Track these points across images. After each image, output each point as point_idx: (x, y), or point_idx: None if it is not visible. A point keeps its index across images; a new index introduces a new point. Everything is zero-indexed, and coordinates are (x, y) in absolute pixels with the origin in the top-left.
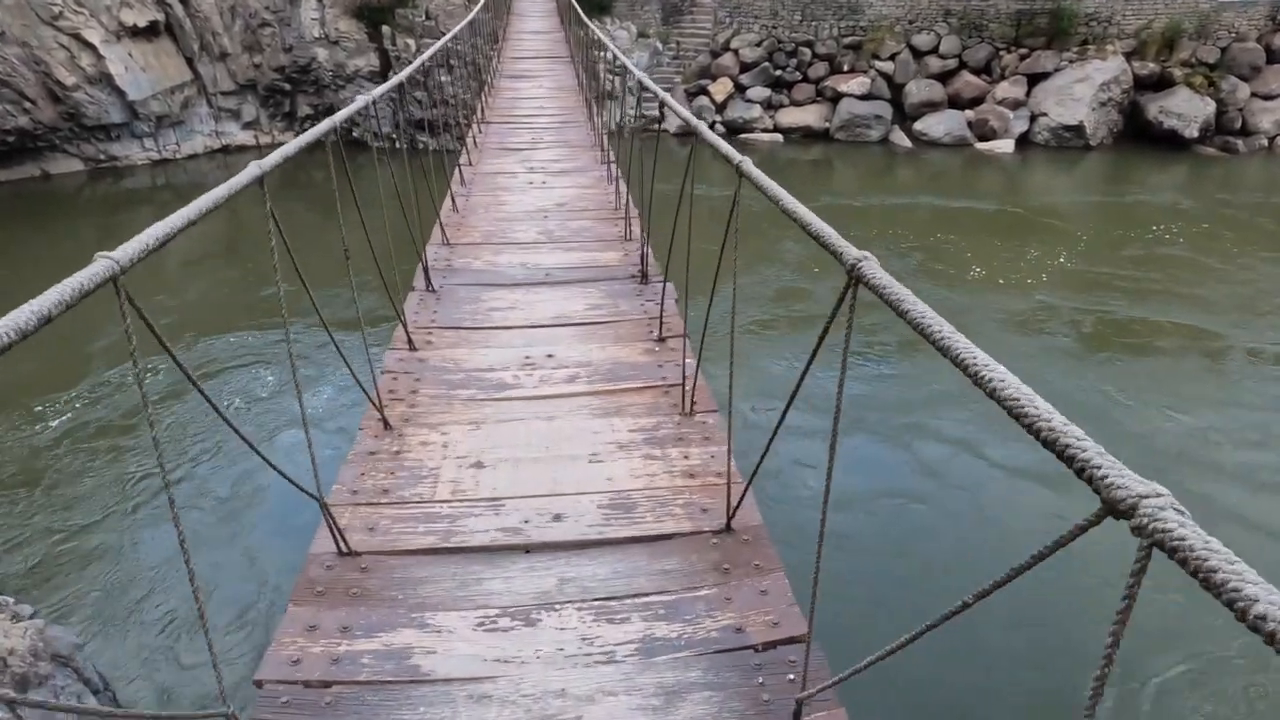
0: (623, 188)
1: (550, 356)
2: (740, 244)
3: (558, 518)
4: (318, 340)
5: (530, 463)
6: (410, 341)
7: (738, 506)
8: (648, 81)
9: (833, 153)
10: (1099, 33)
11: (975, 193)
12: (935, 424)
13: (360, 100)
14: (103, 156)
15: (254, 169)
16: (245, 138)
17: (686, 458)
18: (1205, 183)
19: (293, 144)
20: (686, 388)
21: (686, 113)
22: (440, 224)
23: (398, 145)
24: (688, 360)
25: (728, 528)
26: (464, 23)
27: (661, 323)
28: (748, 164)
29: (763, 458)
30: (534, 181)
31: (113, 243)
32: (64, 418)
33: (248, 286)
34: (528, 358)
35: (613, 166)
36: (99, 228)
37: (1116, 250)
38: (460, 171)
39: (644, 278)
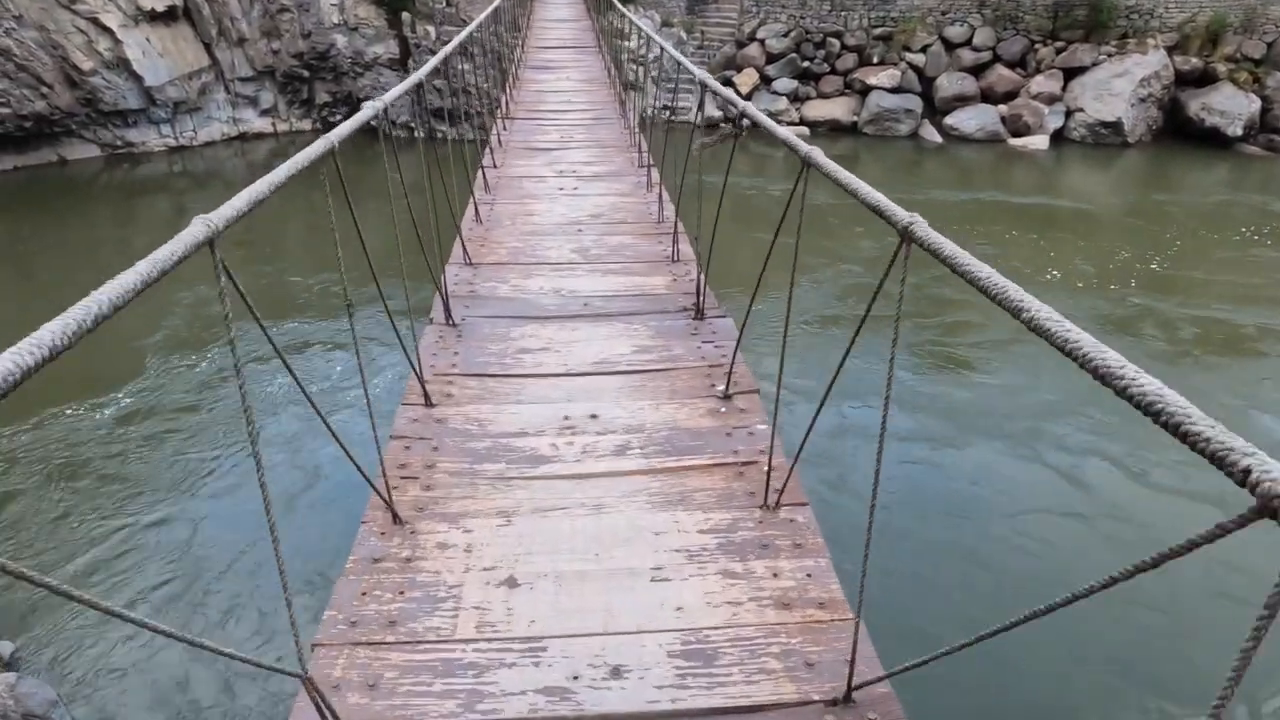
0: (667, 201)
1: (594, 417)
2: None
3: (616, 672)
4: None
5: (576, 579)
6: (426, 395)
7: (853, 659)
8: (690, 66)
9: (860, 147)
10: (1140, 26)
11: (1009, 189)
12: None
13: (367, 109)
14: (119, 142)
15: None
16: (263, 125)
17: (776, 575)
18: (1247, 183)
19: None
20: (765, 468)
21: (763, 116)
22: (461, 240)
23: (416, 135)
24: (759, 425)
25: (847, 698)
26: (487, 12)
27: (729, 377)
28: (818, 154)
29: (860, 590)
30: (564, 188)
31: (129, 230)
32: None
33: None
34: (567, 418)
35: (652, 171)
36: (115, 214)
37: (1161, 250)
38: (483, 174)
39: (699, 312)
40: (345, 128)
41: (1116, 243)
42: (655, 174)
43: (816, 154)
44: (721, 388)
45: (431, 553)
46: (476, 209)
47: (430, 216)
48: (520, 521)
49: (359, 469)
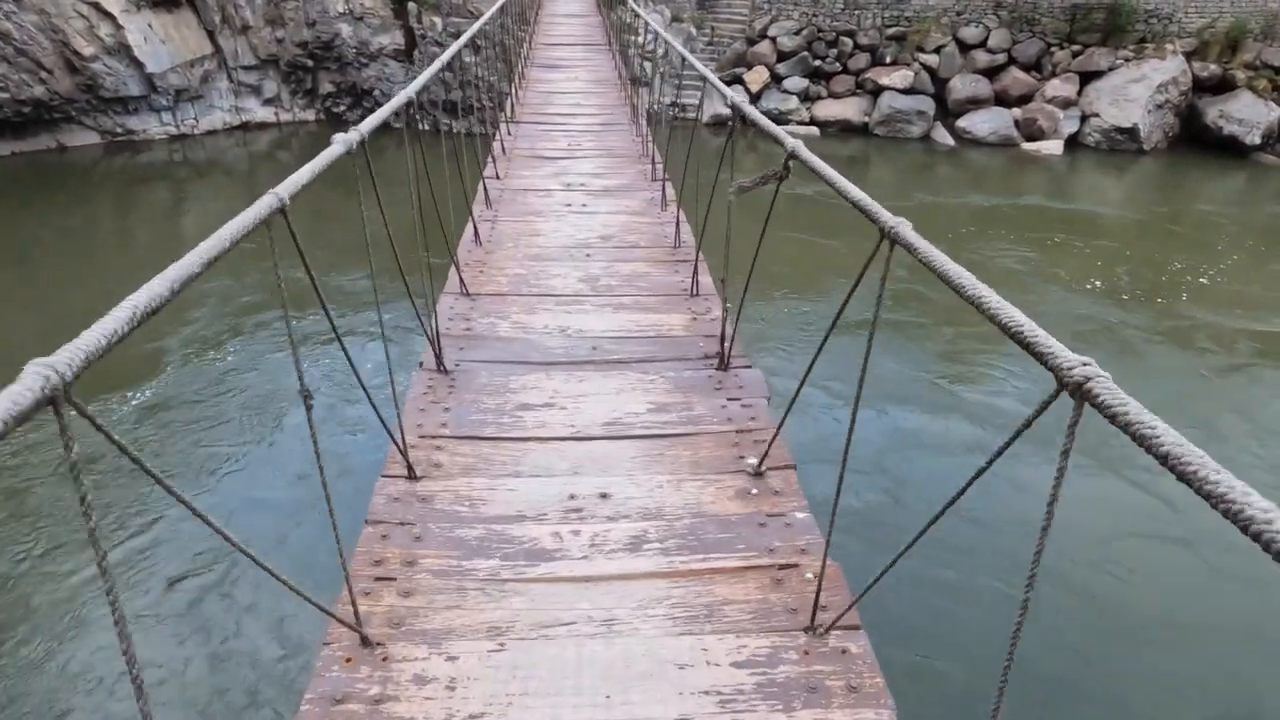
0: (684, 222)
1: (604, 497)
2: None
3: None
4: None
5: None
6: (410, 467)
7: None
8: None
9: (871, 148)
10: (1158, 31)
11: (1022, 193)
12: None
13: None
14: (119, 130)
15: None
16: (265, 114)
17: None
18: (1265, 192)
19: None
20: (809, 575)
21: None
22: (457, 267)
23: (421, 127)
24: (798, 513)
25: None
26: (495, 7)
27: (768, 451)
28: (801, 148)
29: None
30: (572, 204)
31: (128, 219)
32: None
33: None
34: (573, 497)
35: (667, 186)
36: (114, 202)
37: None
38: (485, 188)
39: (723, 362)
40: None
41: (1135, 250)
42: (670, 189)
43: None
44: (753, 460)
45: (407, 689)
46: (476, 230)
47: (430, 233)
48: (516, 646)
49: (315, 604)
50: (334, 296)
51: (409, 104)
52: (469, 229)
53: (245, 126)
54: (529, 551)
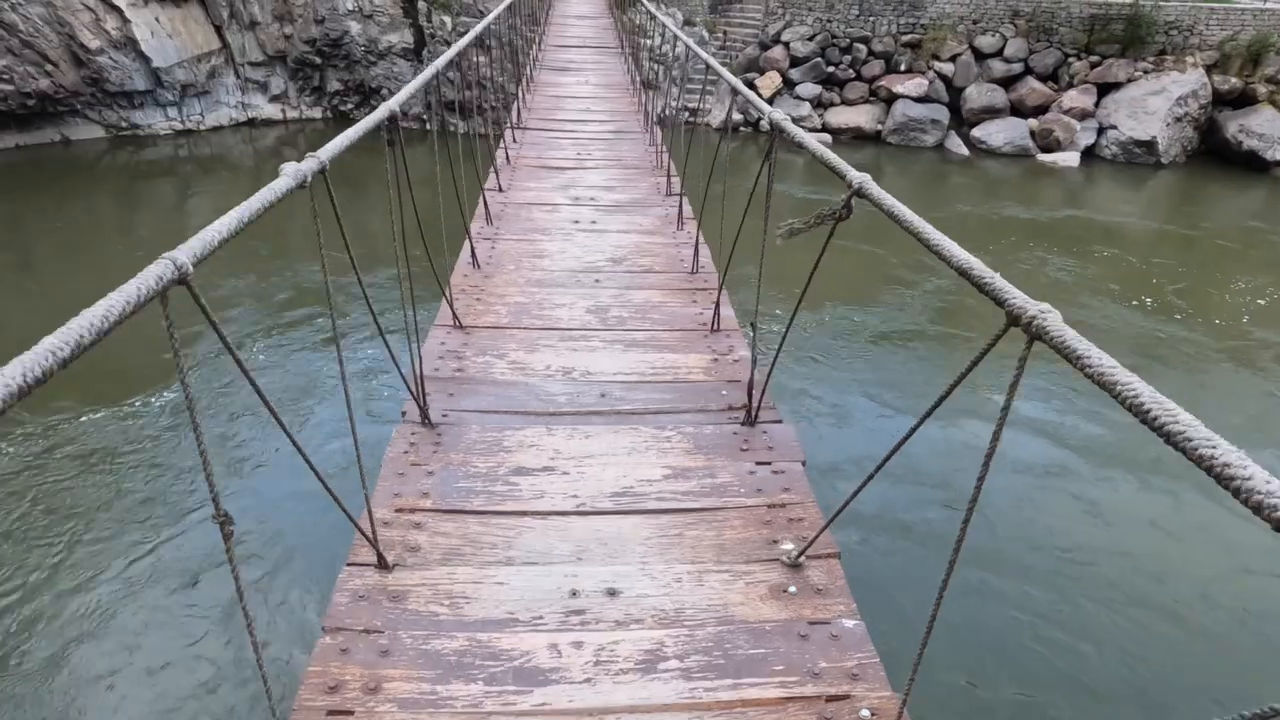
0: (702, 244)
1: (613, 594)
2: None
3: None
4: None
5: None
6: (380, 556)
7: None
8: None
9: (884, 157)
10: (1178, 43)
11: (1038, 205)
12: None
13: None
14: (124, 124)
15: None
16: (272, 111)
17: None
18: None
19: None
20: (864, 713)
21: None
22: (448, 300)
23: (428, 127)
24: (846, 621)
25: None
26: (503, 5)
27: (812, 542)
28: (869, 184)
29: None
30: (580, 220)
31: (132, 214)
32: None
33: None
34: (575, 594)
35: (684, 202)
36: (119, 197)
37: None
38: (486, 203)
39: (750, 416)
40: (342, 141)
41: (1171, 265)
42: (687, 206)
43: (869, 185)
44: (789, 546)
45: None
46: (473, 251)
47: (422, 251)
48: None
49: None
50: (309, 340)
51: (391, 118)
52: (465, 250)
53: (252, 123)
54: (520, 672)
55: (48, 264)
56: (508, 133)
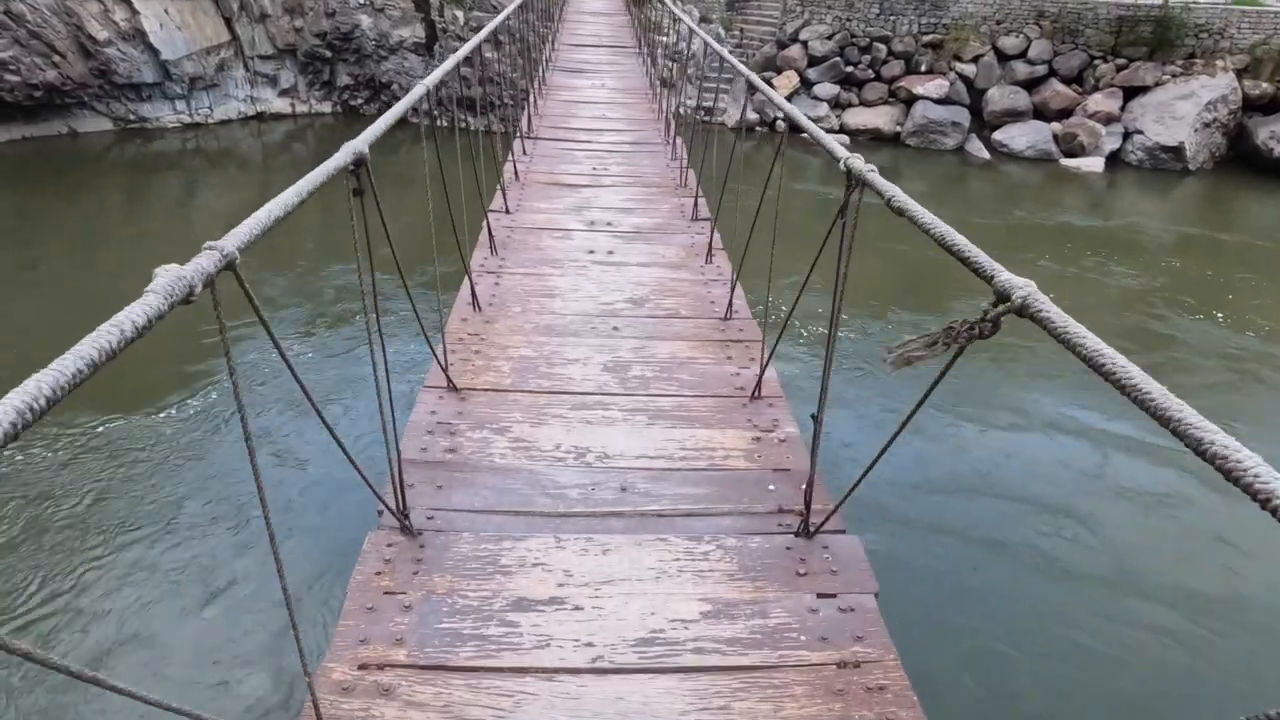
0: (737, 283)
1: None
2: None
3: None
4: None
5: None
6: None
7: None
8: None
9: (902, 160)
10: (1208, 46)
11: (1063, 210)
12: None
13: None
14: (132, 117)
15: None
16: (281, 105)
17: None
18: None
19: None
20: None
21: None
22: (439, 360)
23: (439, 123)
24: None
25: None
26: (516, 3)
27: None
28: (1034, 294)
29: None
30: (596, 250)
31: (138, 207)
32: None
33: None
34: None
35: (712, 229)
36: (125, 190)
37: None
38: (489, 229)
39: (807, 526)
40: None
41: (1209, 274)
42: (716, 234)
43: (1034, 296)
44: None
45: None
46: (474, 291)
47: (412, 306)
48: None
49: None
50: (277, 445)
51: (358, 161)
52: (465, 289)
53: (260, 117)
54: None
55: (54, 257)
56: (516, 143)
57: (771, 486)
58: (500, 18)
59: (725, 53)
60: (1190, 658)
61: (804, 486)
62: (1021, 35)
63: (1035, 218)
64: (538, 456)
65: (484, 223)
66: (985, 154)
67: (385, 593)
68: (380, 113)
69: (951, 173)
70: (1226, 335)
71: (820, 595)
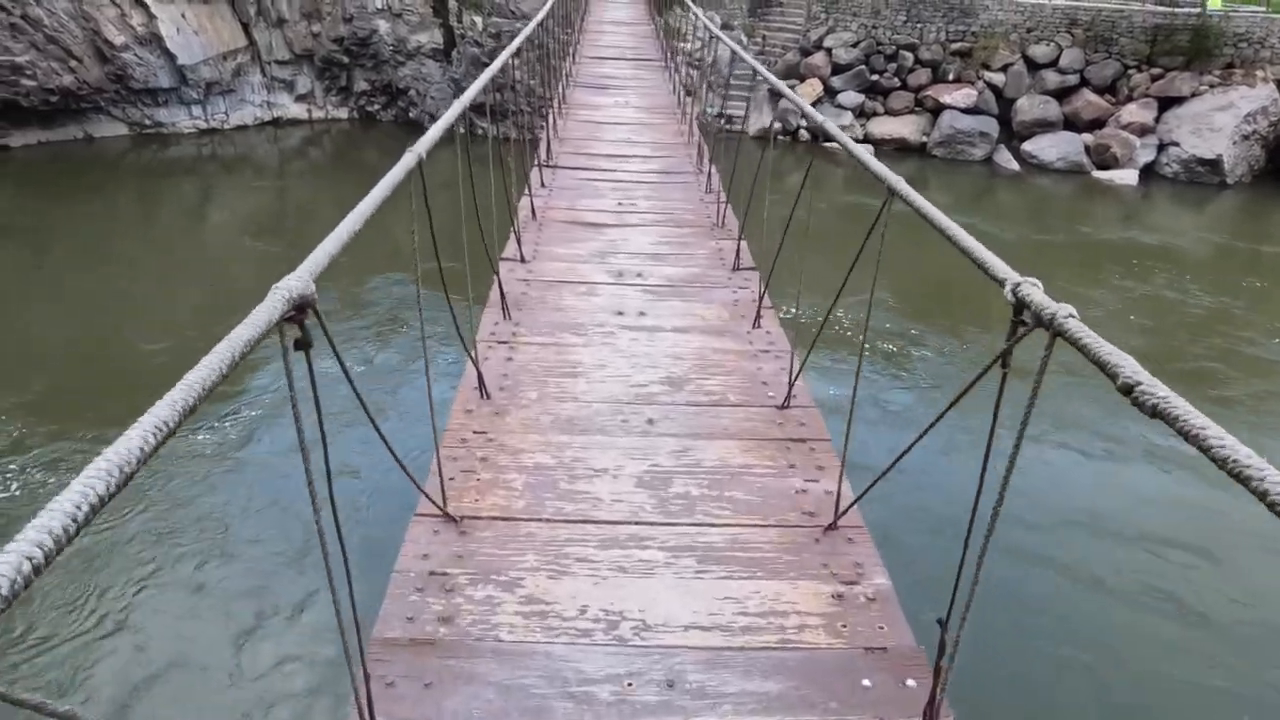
0: (794, 353)
1: None
2: None
3: None
4: None
5: None
6: None
7: None
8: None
9: (929, 170)
10: (1248, 56)
11: (1098, 224)
12: None
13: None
14: (148, 122)
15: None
16: (298, 111)
17: None
18: None
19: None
20: None
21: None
22: (438, 476)
23: (456, 130)
24: None
25: None
26: (545, 9)
27: None
28: (830, 124)
29: None
30: (625, 310)
31: (154, 213)
32: None
33: None
34: None
35: (760, 285)
36: (140, 196)
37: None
38: (500, 285)
39: (934, 708)
40: (431, 135)
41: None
42: (764, 290)
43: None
44: None
45: None
46: (481, 377)
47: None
48: None
49: None
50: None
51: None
52: (470, 372)
53: (276, 122)
54: None
55: (68, 262)
56: (534, 174)
57: (867, 682)
58: (531, 25)
59: (754, 62)
60: None
61: (911, 683)
62: (1053, 43)
63: (1066, 232)
64: (557, 628)
65: (495, 282)
66: (1014, 165)
67: None
68: (397, 119)
69: (979, 184)
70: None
71: None
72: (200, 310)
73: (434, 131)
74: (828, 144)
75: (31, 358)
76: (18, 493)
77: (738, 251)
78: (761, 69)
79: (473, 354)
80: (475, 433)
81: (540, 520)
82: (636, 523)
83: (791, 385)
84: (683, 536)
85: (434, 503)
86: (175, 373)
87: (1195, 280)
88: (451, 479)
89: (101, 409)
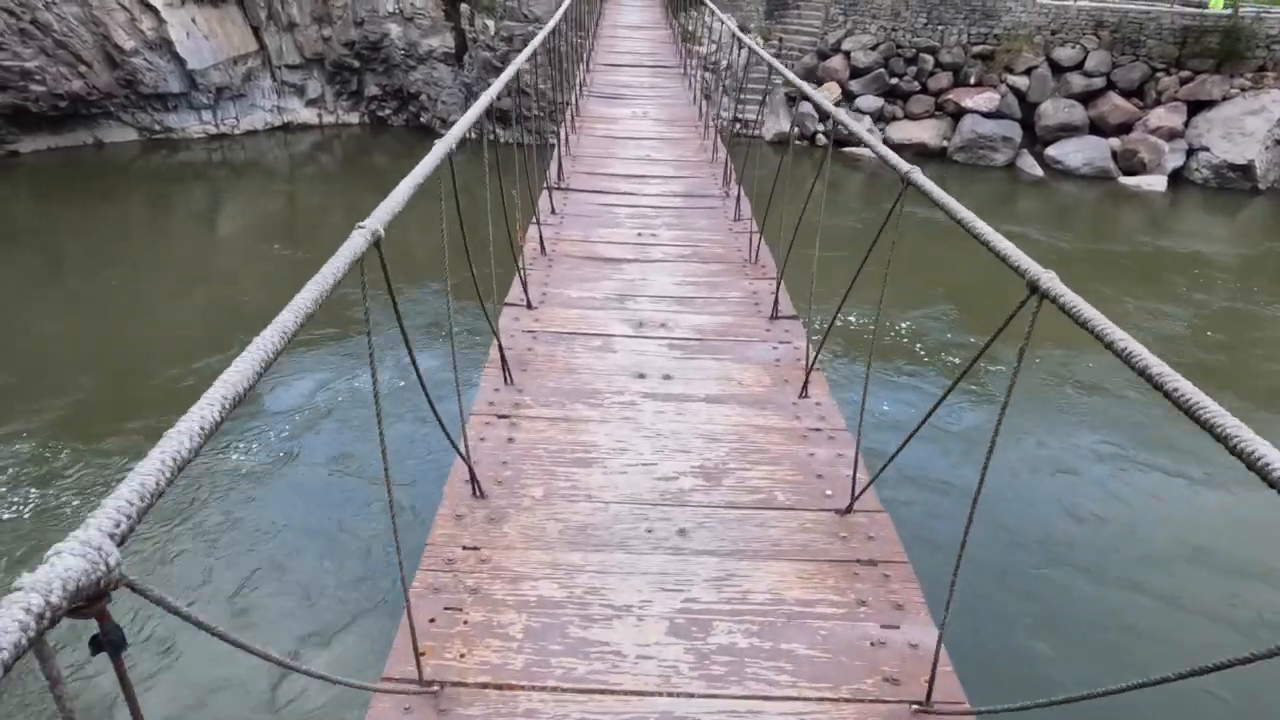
0: (848, 433)
1: None
2: None
3: None
4: None
5: None
6: None
7: None
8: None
9: (949, 175)
10: None
11: (1125, 232)
12: None
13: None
14: (158, 127)
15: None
16: (309, 115)
17: None
18: None
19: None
20: None
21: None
22: (409, 630)
23: (469, 135)
24: None
25: None
26: (559, 12)
27: None
28: (916, 173)
29: None
30: (647, 372)
31: (164, 218)
32: None
33: None
34: None
35: (803, 340)
36: (150, 201)
37: None
38: (497, 339)
39: None
40: (460, 127)
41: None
42: (808, 346)
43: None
44: None
45: None
46: (473, 473)
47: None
48: None
49: None
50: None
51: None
52: (457, 469)
53: (287, 127)
54: None
55: (78, 267)
56: (544, 198)
57: None
58: (546, 30)
59: (776, 63)
60: None
61: None
62: (1078, 46)
63: (1092, 239)
64: None
65: (494, 342)
66: (1038, 170)
67: None
68: (408, 124)
69: (1002, 190)
70: None
71: None
72: (210, 314)
73: (463, 123)
74: (846, 149)
75: (41, 361)
76: (32, 492)
77: (776, 299)
78: (782, 68)
79: (465, 450)
80: (465, 548)
81: (544, 689)
82: (670, 694)
83: (855, 482)
84: (732, 717)
85: (404, 675)
86: (182, 376)
87: (1233, 287)
88: (432, 620)
89: (111, 413)
